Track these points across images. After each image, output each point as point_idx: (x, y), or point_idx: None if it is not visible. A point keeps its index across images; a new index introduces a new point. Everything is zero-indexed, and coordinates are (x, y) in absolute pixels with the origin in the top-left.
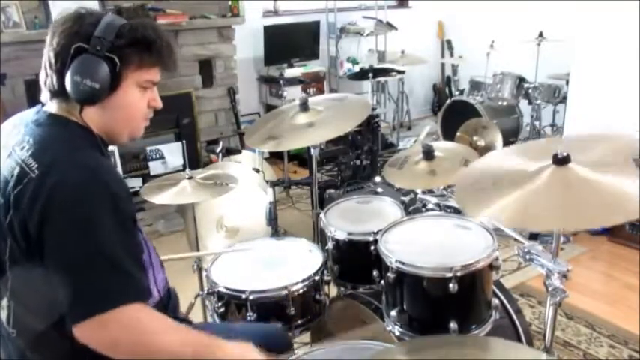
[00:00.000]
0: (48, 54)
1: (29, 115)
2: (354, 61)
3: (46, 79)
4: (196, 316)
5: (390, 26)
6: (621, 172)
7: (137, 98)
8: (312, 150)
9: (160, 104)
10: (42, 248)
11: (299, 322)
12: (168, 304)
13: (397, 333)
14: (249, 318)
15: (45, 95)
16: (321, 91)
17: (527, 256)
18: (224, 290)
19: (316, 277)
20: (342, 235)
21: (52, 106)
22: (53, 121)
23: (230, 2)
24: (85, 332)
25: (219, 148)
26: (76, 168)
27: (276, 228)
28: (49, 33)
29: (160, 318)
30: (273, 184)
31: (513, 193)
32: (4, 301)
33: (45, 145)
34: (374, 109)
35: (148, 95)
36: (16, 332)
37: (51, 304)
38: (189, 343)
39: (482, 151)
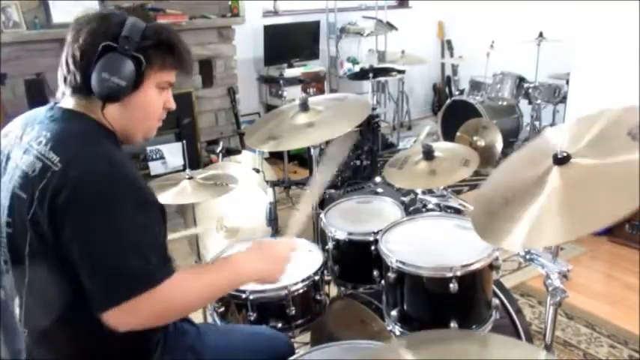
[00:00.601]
0: (72, 51)
1: (42, 112)
2: (354, 61)
3: (67, 75)
4: (196, 316)
5: (390, 26)
6: (622, 148)
7: (155, 98)
8: (312, 150)
9: (173, 106)
10: (69, 241)
11: (299, 322)
12: None
13: (397, 333)
14: (249, 318)
15: (62, 92)
16: (321, 91)
17: (528, 256)
18: None
19: (316, 277)
20: (342, 235)
21: (68, 102)
22: (69, 116)
23: (230, 2)
24: (117, 317)
25: (220, 148)
26: (97, 160)
27: (276, 228)
28: (72, 31)
29: (183, 283)
30: (273, 184)
31: (525, 211)
32: (17, 300)
33: (63, 139)
34: (374, 109)
35: (164, 96)
36: (27, 332)
37: (67, 300)
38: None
39: (483, 151)
